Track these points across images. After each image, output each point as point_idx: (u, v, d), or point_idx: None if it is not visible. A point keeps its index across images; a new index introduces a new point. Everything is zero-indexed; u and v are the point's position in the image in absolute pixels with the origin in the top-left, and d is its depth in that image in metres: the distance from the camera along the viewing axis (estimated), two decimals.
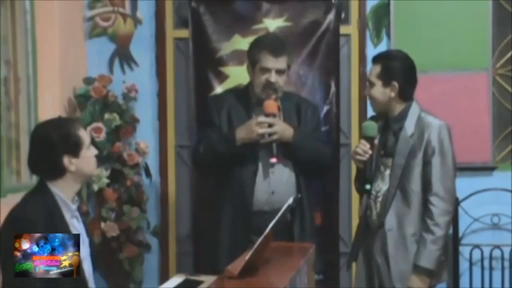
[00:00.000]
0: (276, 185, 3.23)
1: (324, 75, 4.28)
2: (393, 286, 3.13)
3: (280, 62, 3.22)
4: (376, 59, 3.25)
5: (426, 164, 3.12)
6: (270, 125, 3.17)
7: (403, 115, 3.18)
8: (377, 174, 3.21)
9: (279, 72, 3.22)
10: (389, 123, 3.22)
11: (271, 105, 3.22)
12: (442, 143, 3.13)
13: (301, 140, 3.25)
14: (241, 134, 3.19)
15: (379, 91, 3.19)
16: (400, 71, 3.18)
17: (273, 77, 3.21)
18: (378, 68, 3.20)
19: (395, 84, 3.16)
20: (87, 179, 2.88)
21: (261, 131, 3.16)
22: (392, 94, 3.17)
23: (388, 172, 3.19)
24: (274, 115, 3.21)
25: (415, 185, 3.13)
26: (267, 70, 3.21)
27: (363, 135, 3.22)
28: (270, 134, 3.18)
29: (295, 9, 4.29)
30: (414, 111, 3.19)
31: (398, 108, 3.20)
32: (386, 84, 3.17)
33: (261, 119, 3.18)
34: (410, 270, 3.11)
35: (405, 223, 3.13)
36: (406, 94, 3.20)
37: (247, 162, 3.22)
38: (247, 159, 3.22)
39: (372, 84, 3.21)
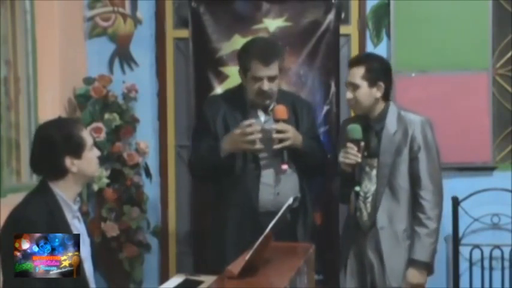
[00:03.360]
0: (281, 186, 3.24)
1: (324, 75, 4.28)
2: (387, 283, 3.16)
3: (271, 69, 3.20)
4: (356, 62, 3.28)
5: (413, 160, 3.18)
6: (280, 132, 3.17)
7: (384, 115, 3.23)
8: (363, 175, 3.24)
9: (271, 79, 3.21)
10: (370, 124, 3.25)
11: (281, 110, 3.22)
12: (426, 137, 3.20)
13: (309, 145, 3.28)
14: (226, 145, 3.18)
15: (365, 92, 3.21)
16: (383, 71, 3.24)
17: (265, 86, 3.20)
18: (361, 70, 3.21)
19: (382, 84, 3.20)
20: (89, 180, 2.88)
21: (274, 136, 3.16)
22: (378, 94, 3.21)
23: (374, 172, 3.23)
24: (284, 121, 3.21)
25: (402, 181, 3.18)
26: (259, 79, 3.20)
27: (349, 139, 3.21)
28: (282, 140, 3.18)
29: (295, 9, 4.29)
30: (393, 110, 3.24)
31: (378, 108, 3.25)
32: (373, 85, 3.20)
33: (273, 125, 3.20)
34: (404, 266, 3.16)
35: (396, 220, 3.19)
36: (388, 94, 3.26)
37: (251, 165, 3.22)
38: (250, 163, 3.22)
39: (356, 87, 3.21)
